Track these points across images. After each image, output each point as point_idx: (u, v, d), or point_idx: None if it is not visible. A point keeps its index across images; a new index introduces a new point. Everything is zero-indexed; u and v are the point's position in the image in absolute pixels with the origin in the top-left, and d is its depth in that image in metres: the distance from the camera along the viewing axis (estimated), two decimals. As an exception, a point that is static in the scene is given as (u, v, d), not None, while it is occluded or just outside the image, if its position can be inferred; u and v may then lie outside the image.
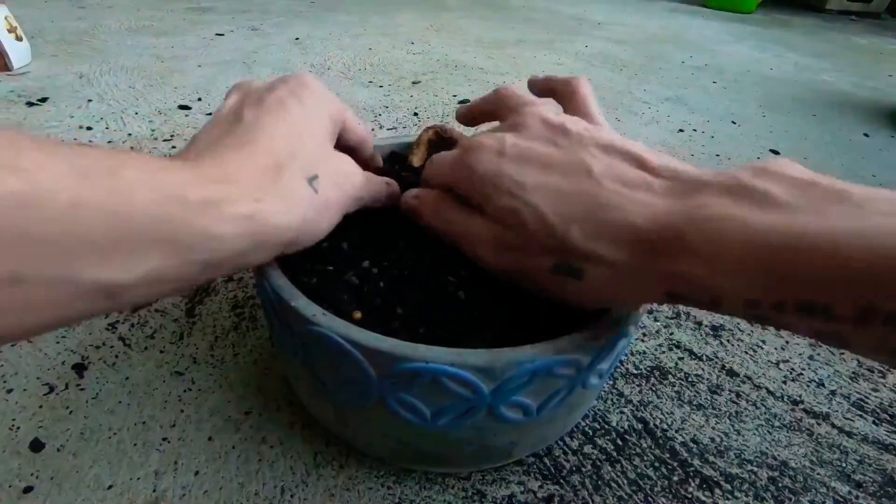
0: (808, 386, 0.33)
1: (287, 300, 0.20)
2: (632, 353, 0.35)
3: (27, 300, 0.13)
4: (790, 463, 0.28)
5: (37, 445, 0.26)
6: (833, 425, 0.31)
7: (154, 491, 0.24)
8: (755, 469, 0.28)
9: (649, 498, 0.26)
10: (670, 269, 0.16)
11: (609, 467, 0.27)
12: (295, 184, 0.19)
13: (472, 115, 0.28)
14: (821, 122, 0.82)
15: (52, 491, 0.24)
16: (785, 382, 0.34)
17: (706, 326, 0.38)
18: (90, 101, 0.64)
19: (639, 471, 0.27)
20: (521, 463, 0.27)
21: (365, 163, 0.26)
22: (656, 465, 0.28)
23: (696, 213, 0.16)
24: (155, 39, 0.89)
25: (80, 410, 0.28)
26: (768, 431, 0.30)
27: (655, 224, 0.17)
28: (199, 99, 0.67)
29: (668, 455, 0.28)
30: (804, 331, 0.15)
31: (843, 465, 0.29)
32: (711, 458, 0.28)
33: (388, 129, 0.64)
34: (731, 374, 0.34)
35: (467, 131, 0.35)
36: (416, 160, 0.31)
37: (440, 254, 0.23)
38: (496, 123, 0.25)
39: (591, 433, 0.29)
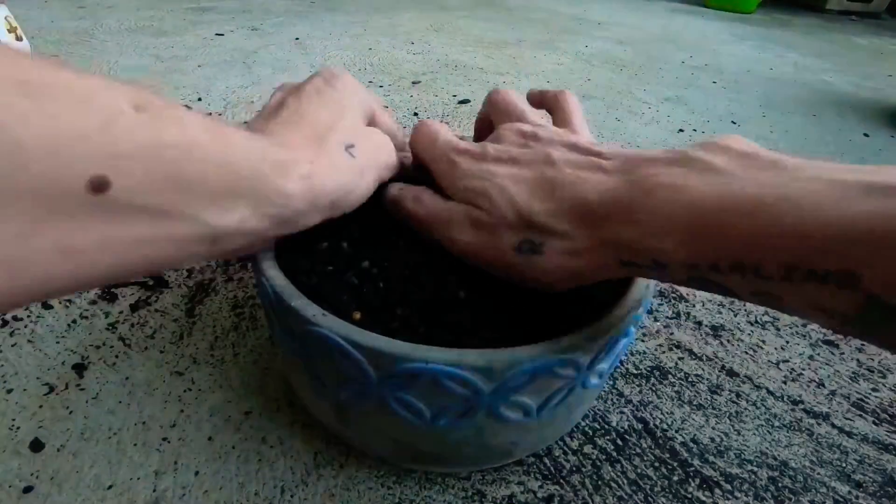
0: (808, 386, 0.33)
1: (287, 300, 0.20)
2: (632, 353, 0.35)
3: (168, 235, 0.15)
4: (790, 463, 0.28)
5: (37, 445, 0.26)
6: (833, 425, 0.31)
7: (154, 491, 0.24)
8: (755, 469, 0.28)
9: (649, 498, 0.26)
10: (617, 237, 0.18)
11: (609, 467, 0.27)
12: (335, 151, 0.21)
13: (484, 125, 0.29)
14: (821, 122, 0.82)
15: (52, 491, 0.24)
16: (785, 382, 0.34)
17: (706, 326, 0.38)
18: (90, 101, 0.64)
19: (639, 471, 0.27)
20: (521, 463, 0.27)
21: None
22: (656, 465, 0.28)
23: (641, 183, 0.18)
24: (155, 39, 0.89)
25: (80, 410, 0.28)
26: (768, 431, 0.30)
27: (605, 196, 0.18)
28: (199, 99, 0.67)
29: (668, 455, 0.28)
30: (745, 295, 0.16)
31: (843, 465, 0.29)
32: (711, 458, 0.28)
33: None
34: (731, 374, 0.34)
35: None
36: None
37: (440, 254, 0.23)
38: None
39: (591, 433, 0.29)
